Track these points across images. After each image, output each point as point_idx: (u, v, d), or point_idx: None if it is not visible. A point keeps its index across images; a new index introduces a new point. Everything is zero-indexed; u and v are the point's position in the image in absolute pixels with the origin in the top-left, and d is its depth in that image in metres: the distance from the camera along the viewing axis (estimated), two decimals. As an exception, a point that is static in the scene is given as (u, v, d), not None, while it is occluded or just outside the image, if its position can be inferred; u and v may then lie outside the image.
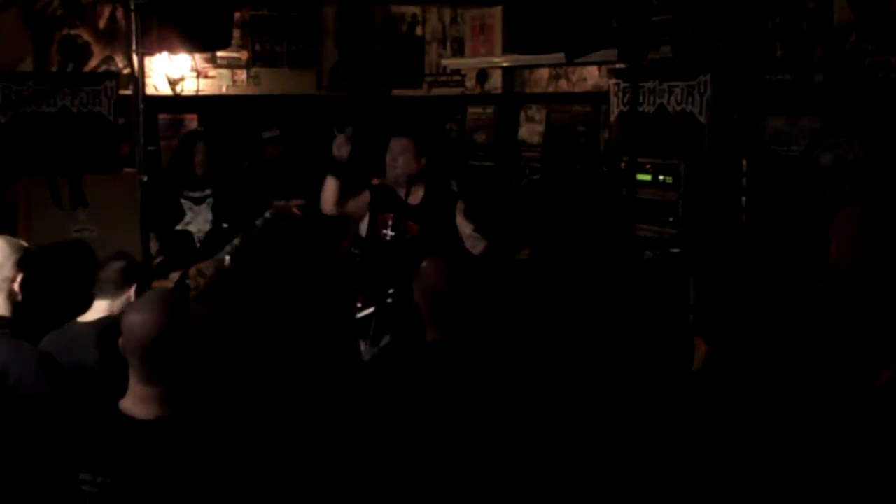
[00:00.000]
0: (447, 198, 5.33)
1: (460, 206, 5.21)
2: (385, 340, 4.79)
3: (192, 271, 5.34)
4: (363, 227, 5.25)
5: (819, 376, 2.79)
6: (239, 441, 2.49)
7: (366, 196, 5.25)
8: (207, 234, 5.82)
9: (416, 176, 5.17)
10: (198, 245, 5.77)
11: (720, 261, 5.30)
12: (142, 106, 4.39)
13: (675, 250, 5.39)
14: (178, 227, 5.74)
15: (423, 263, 3.06)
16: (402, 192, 5.16)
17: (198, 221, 5.81)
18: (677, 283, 5.14)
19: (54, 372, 3.21)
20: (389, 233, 5.12)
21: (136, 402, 2.51)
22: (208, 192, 5.89)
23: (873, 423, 2.14)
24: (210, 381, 2.66)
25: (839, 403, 2.60)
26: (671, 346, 2.57)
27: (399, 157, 5.16)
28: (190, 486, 2.36)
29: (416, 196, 5.20)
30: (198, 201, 5.82)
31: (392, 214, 5.14)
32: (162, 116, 7.43)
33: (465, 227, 5.11)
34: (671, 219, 5.64)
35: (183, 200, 5.80)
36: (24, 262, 3.37)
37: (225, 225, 5.84)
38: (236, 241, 5.39)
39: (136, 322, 2.53)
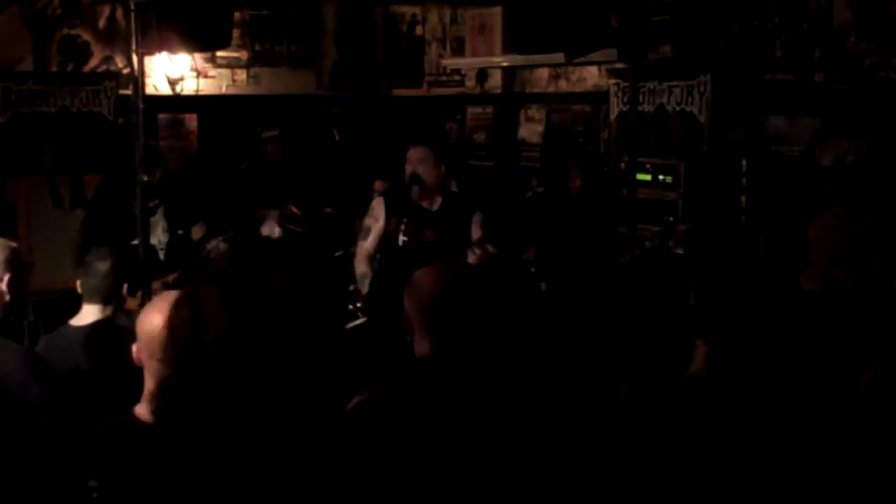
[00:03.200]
0: (465, 205, 5.23)
1: (477, 217, 5.12)
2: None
3: (157, 285, 4.77)
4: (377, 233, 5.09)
5: (811, 377, 2.80)
6: (246, 445, 2.47)
7: (380, 209, 5.10)
8: (168, 244, 5.54)
9: (437, 182, 5.08)
10: (161, 257, 5.45)
11: (720, 261, 5.29)
12: (142, 106, 4.38)
13: (679, 251, 5.38)
14: (135, 242, 4.84)
15: (418, 272, 2.94)
16: (420, 199, 5.05)
17: (156, 233, 5.48)
18: (677, 283, 5.14)
19: (43, 372, 3.19)
20: (402, 238, 5.02)
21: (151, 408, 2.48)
22: (157, 200, 5.52)
23: (852, 424, 2.16)
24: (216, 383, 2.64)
25: (826, 406, 2.61)
26: (671, 347, 2.55)
27: (420, 166, 5.04)
28: (208, 489, 2.34)
29: (435, 202, 5.12)
30: (150, 211, 5.16)
31: (405, 219, 5.04)
32: (162, 116, 7.43)
33: (475, 235, 5.03)
34: (671, 218, 5.64)
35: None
36: (11, 262, 3.36)
37: (180, 231, 5.55)
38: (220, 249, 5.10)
39: (153, 326, 2.50)
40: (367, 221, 5.15)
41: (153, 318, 2.50)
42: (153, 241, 5.40)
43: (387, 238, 5.04)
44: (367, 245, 5.09)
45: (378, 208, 5.14)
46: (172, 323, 2.47)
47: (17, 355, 3.20)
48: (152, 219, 5.42)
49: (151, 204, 5.28)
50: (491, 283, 5.01)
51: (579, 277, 5.49)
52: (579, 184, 6.13)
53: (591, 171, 6.18)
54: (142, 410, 2.49)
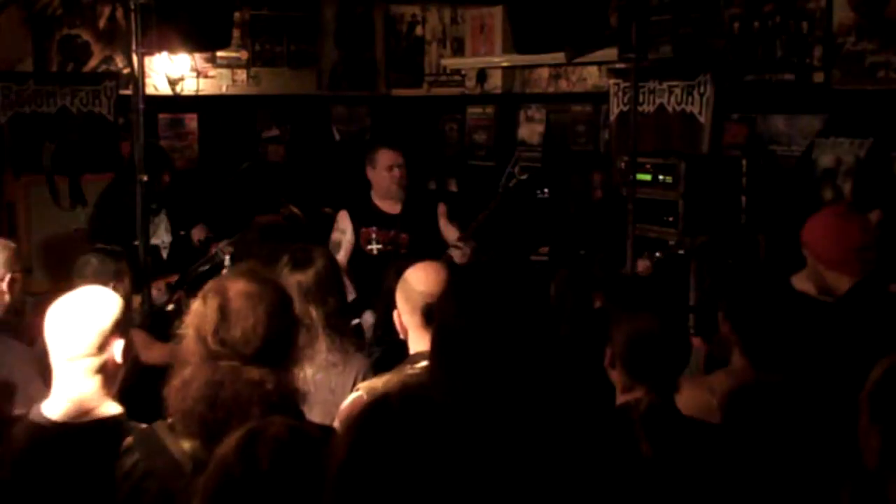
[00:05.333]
0: (427, 201, 5.26)
1: (441, 209, 5.14)
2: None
3: (159, 285, 4.87)
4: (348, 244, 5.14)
5: (810, 378, 2.79)
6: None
7: (345, 222, 5.14)
8: (172, 244, 5.57)
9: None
10: (164, 257, 5.49)
11: (720, 261, 5.29)
12: (142, 106, 4.39)
13: (680, 252, 5.37)
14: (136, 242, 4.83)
15: (409, 269, 2.92)
16: (385, 204, 5.06)
17: (159, 233, 5.51)
18: (677, 282, 5.14)
19: (44, 371, 3.20)
20: (375, 247, 5.03)
21: (52, 407, 2.43)
22: (163, 207, 5.62)
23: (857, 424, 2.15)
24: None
25: (833, 412, 2.60)
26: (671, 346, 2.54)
27: (397, 170, 5.07)
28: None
29: (396, 206, 5.11)
30: (154, 211, 5.32)
31: (375, 228, 5.06)
32: (162, 116, 7.43)
33: (449, 233, 5.05)
34: (671, 219, 5.64)
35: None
36: (10, 263, 3.37)
37: (182, 232, 5.60)
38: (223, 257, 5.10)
39: (52, 323, 2.43)
40: (335, 236, 5.15)
41: (54, 316, 2.42)
42: (156, 241, 5.43)
43: (359, 249, 5.05)
44: (338, 258, 5.11)
45: (343, 221, 5.14)
46: (74, 321, 2.39)
47: (19, 354, 3.21)
48: (155, 219, 5.46)
49: (154, 206, 5.33)
50: (487, 278, 5.01)
51: (604, 283, 5.46)
52: (601, 192, 6.10)
53: (610, 177, 6.16)
54: (47, 408, 2.44)
